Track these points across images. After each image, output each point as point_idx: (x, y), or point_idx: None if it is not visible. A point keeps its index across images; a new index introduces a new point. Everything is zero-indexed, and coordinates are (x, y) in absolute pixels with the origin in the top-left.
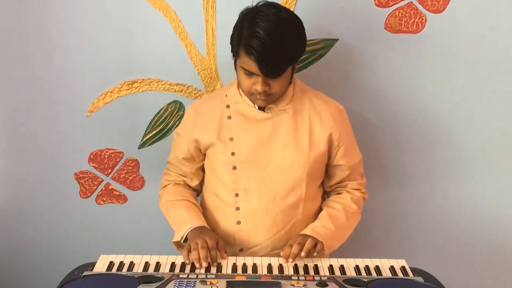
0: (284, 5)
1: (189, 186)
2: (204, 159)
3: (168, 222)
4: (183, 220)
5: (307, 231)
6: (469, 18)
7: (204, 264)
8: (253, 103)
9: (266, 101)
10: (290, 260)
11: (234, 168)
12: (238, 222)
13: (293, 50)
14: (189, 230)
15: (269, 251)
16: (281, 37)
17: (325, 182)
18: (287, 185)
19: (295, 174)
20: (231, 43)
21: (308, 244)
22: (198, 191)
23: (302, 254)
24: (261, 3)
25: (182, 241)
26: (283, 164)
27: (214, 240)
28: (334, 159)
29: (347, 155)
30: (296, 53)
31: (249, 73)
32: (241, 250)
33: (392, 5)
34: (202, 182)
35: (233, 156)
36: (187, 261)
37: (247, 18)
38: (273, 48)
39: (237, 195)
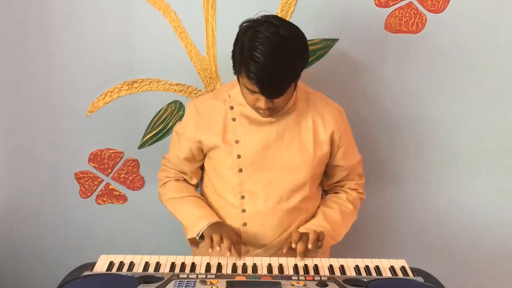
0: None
1: (188, 182)
2: (204, 159)
3: (176, 218)
4: (198, 217)
5: (303, 230)
6: (469, 18)
7: (228, 254)
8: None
9: (271, 115)
10: (299, 258)
11: (240, 170)
12: (244, 224)
13: (295, 69)
14: (206, 226)
15: (275, 251)
16: (282, 61)
17: (324, 181)
18: (292, 187)
19: (301, 176)
20: (233, 58)
21: (312, 235)
22: (196, 187)
23: (309, 246)
24: (260, 19)
25: (198, 237)
26: (289, 166)
27: (235, 234)
28: (334, 159)
29: (347, 156)
30: (299, 70)
31: (252, 92)
32: (247, 251)
33: (392, 5)
34: (200, 180)
35: (239, 159)
36: (217, 247)
37: (247, 37)
38: (274, 73)
39: (243, 197)
